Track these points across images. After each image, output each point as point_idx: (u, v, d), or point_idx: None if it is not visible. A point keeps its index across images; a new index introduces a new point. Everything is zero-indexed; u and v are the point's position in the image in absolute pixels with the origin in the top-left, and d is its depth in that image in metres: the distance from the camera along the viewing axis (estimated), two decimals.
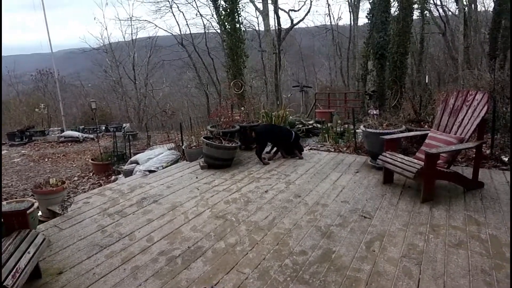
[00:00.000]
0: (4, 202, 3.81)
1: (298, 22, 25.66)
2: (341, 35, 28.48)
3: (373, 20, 12.72)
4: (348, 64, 25.92)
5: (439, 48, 24.44)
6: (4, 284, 1.89)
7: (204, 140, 5.35)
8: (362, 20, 22.14)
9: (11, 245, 2.28)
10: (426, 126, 5.31)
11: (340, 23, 33.73)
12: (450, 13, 22.84)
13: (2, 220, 2.47)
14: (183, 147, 6.14)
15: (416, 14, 17.69)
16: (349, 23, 26.07)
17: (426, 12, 20.23)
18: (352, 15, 24.11)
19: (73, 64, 40.05)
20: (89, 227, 3.50)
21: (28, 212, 2.68)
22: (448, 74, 19.20)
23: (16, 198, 6.06)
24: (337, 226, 3.29)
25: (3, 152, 11.78)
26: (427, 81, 13.28)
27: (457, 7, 20.01)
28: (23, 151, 11.86)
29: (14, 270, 2.03)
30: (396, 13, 12.64)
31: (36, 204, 3.72)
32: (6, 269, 2.01)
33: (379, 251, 2.80)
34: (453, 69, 19.35)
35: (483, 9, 23.45)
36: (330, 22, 30.68)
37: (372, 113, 6.53)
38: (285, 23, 25.51)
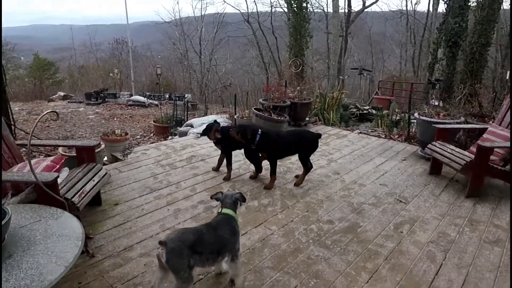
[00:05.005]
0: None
1: (371, 4, 24.31)
2: (417, 21, 26.48)
3: (450, 3, 11.56)
4: (420, 53, 24.16)
5: None
6: (72, 200, 2.30)
7: (255, 111, 5.57)
8: (443, 6, 20.31)
9: (80, 172, 2.73)
10: (490, 123, 4.96)
11: (418, 8, 31.21)
12: None
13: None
14: (235, 116, 6.42)
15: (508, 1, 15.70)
16: (427, 8, 24.11)
17: None
18: (431, 0, 22.20)
19: (145, 36, 42.54)
20: (143, 173, 3.98)
21: (96, 150, 3.14)
22: None
23: None
24: (370, 205, 3.35)
25: (80, 109, 13.17)
26: (507, 78, 11.98)
27: None
28: (97, 110, 13.20)
29: (80, 191, 2.46)
30: None
31: (103, 145, 4.31)
32: (74, 189, 2.45)
33: (406, 233, 2.84)
34: None
35: None
36: (406, 6, 28.52)
37: (434, 104, 6.19)
38: (357, 5, 24.30)
